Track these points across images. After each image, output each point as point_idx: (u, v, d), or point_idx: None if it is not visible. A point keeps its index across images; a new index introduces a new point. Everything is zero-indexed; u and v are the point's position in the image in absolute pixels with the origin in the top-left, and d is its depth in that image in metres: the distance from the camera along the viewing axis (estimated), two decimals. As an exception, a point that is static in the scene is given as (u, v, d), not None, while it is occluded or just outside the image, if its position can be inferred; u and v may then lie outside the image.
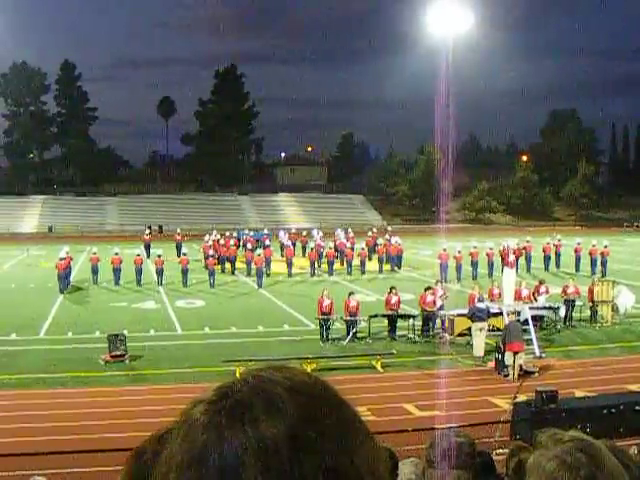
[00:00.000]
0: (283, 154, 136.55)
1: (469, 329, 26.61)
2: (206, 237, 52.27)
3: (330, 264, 46.65)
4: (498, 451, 12.70)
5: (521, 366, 22.80)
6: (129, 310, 34.65)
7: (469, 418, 16.54)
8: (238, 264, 47.42)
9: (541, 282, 31.95)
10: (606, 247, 45.82)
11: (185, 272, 42.05)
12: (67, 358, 25.33)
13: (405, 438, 13.74)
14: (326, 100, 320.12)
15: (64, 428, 17.93)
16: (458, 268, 43.41)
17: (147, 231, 61.24)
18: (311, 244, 51.04)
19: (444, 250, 43.62)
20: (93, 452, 14.45)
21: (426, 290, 29.13)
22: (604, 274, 43.22)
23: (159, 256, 42.59)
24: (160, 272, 41.98)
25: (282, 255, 49.91)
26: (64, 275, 39.85)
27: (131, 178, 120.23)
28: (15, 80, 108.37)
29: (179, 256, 46.21)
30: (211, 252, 44.94)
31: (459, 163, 69.16)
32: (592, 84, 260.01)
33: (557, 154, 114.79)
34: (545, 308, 29.74)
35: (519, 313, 26.74)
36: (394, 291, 29.28)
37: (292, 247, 50.25)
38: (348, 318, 27.89)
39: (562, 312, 29.98)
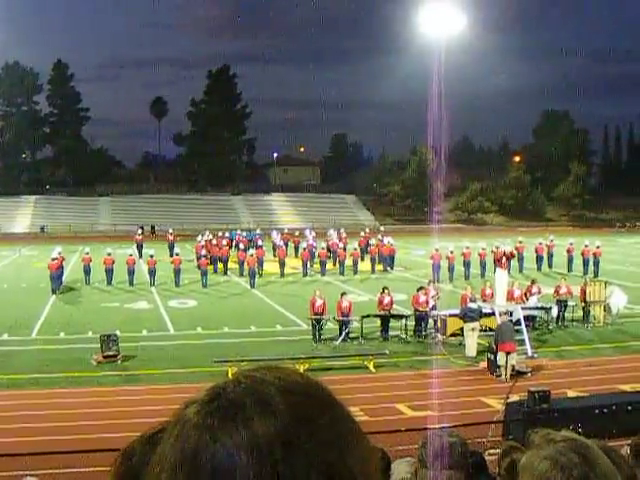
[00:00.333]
0: (276, 154, 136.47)
1: (461, 329, 26.64)
2: (198, 237, 52.29)
3: (322, 264, 46.67)
4: (490, 451, 12.71)
5: (513, 366, 22.82)
6: (121, 310, 34.62)
7: (462, 418, 16.56)
8: (230, 264, 47.40)
9: (533, 282, 31.98)
10: (598, 247, 45.93)
11: (177, 272, 42.04)
12: (59, 358, 25.29)
13: (398, 438, 13.74)
14: (319, 100, 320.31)
15: (56, 428, 17.90)
16: (450, 268, 43.48)
17: (139, 231, 61.22)
18: (303, 244, 51.07)
19: (436, 250, 43.67)
20: (86, 452, 14.41)
21: (419, 290, 29.16)
22: (596, 274, 43.31)
23: (151, 256, 42.59)
24: (152, 272, 41.95)
25: (274, 255, 49.90)
26: (56, 275, 39.77)
27: (123, 178, 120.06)
28: (7, 80, 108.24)
29: (171, 256, 46.18)
30: (203, 252, 44.92)
31: (452, 163, 69.20)
32: (585, 85, 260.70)
33: (550, 155, 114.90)
34: (537, 308, 29.77)
35: (511, 313, 26.75)
36: (387, 291, 29.30)
37: (285, 247, 50.28)
38: (340, 318, 27.88)
39: (554, 312, 30.01)
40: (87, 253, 43.18)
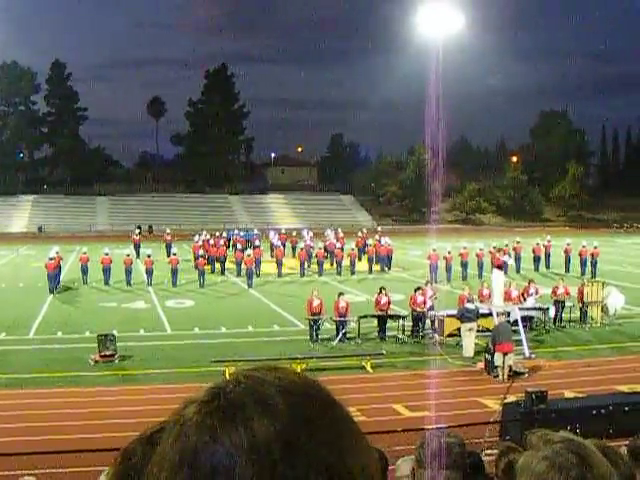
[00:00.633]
0: (273, 154, 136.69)
1: (459, 330, 26.63)
2: (196, 237, 52.21)
3: (320, 264, 46.65)
4: (487, 452, 12.73)
5: (511, 367, 22.81)
6: (119, 310, 34.60)
7: (458, 418, 16.57)
8: (228, 264, 47.38)
9: (531, 283, 31.98)
10: (596, 248, 45.97)
11: (175, 272, 42.02)
12: (57, 358, 25.28)
13: (395, 439, 13.74)
14: (316, 100, 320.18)
15: (54, 428, 17.88)
16: (448, 269, 43.47)
17: (137, 231, 61.24)
18: (301, 244, 51.03)
19: (434, 251, 43.69)
20: (83, 452, 14.41)
21: (416, 291, 29.14)
22: (594, 275, 43.33)
23: (149, 256, 42.59)
24: (150, 272, 41.93)
25: (272, 255, 49.84)
26: (54, 275, 39.76)
27: (121, 178, 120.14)
28: (5, 80, 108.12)
29: (169, 256, 46.16)
30: (201, 252, 44.88)
31: (449, 164, 69.34)
32: (582, 85, 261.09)
33: (547, 155, 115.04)
34: (535, 309, 29.75)
35: (509, 314, 26.76)
36: (384, 291, 29.29)
37: (282, 247, 50.31)
38: (338, 318, 27.86)
39: (552, 313, 30.00)
40: (85, 253, 43.16)
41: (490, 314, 26.53)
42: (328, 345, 27.23)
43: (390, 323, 28.78)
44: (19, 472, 12.14)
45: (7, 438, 16.88)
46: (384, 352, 24.80)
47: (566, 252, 47.23)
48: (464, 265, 44.37)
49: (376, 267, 48.12)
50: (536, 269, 47.09)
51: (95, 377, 22.90)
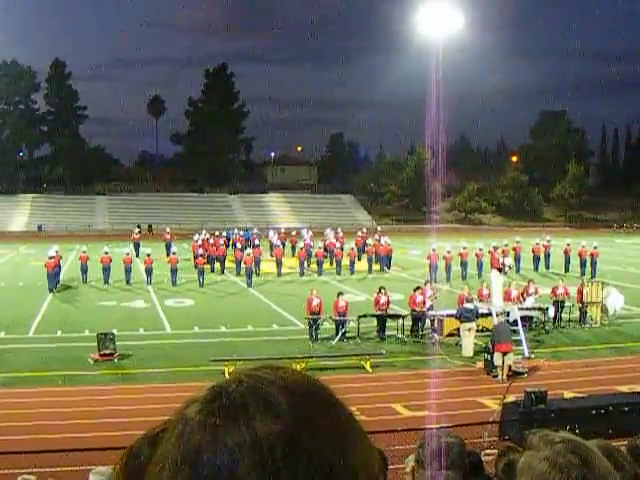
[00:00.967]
0: (273, 154, 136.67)
1: (458, 329, 26.63)
2: (195, 236, 52.20)
3: (319, 264, 46.65)
4: (487, 451, 12.72)
5: (510, 367, 22.81)
6: (118, 309, 34.59)
7: (458, 418, 16.57)
8: (227, 263, 47.37)
9: (530, 282, 31.99)
10: (595, 248, 45.96)
11: (174, 271, 42.02)
12: (56, 357, 25.27)
13: (394, 438, 13.74)
14: (316, 100, 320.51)
15: (53, 427, 17.88)
16: (447, 268, 43.47)
17: (136, 230, 61.20)
18: (300, 244, 51.01)
19: (433, 250, 43.68)
20: (82, 451, 14.40)
21: (415, 290, 29.15)
22: (593, 275, 43.32)
23: (148, 255, 42.60)
24: (149, 271, 41.93)
25: (271, 255, 49.80)
26: (53, 274, 39.73)
27: (121, 177, 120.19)
28: (5, 78, 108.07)
29: (168, 255, 46.13)
30: (200, 251, 44.86)
31: (449, 163, 69.19)
32: (582, 85, 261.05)
33: (547, 155, 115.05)
34: (534, 309, 29.77)
35: (508, 314, 26.75)
36: (383, 291, 29.28)
37: (282, 247, 50.28)
38: (337, 318, 27.86)
39: (551, 313, 30.00)
40: (84, 252, 43.14)
41: (489, 314, 26.53)
42: (327, 344, 27.23)
43: (390, 323, 28.78)
44: (18, 471, 12.13)
45: (6, 437, 16.87)
46: (383, 352, 24.80)
47: (566, 252, 47.21)
48: (464, 265, 44.36)
49: (376, 267, 48.09)
50: (536, 269, 47.07)
51: (95, 376, 22.90)
